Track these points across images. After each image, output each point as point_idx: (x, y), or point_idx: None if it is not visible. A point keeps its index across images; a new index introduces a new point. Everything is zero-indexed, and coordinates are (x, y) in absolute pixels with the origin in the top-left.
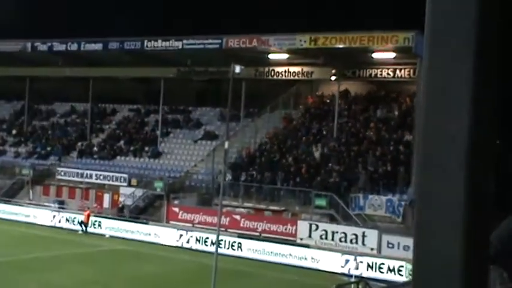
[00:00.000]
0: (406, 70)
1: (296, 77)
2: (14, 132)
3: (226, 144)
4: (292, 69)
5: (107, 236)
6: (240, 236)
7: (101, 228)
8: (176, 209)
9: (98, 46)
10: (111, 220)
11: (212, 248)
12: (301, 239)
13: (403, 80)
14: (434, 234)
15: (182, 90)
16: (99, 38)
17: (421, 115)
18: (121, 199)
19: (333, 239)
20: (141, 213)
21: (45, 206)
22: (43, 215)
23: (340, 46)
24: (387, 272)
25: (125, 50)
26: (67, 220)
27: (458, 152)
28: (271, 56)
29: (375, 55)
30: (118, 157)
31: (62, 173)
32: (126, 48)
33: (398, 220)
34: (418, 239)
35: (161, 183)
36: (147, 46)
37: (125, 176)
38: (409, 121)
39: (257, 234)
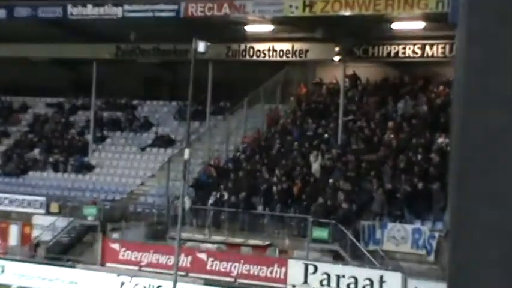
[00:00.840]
0: (440, 47)
1: (284, 58)
2: None
3: (187, 153)
4: (279, 46)
5: (14, 286)
6: (208, 282)
7: (4, 274)
8: (116, 246)
9: (0, 13)
10: (20, 263)
11: None
12: (294, 287)
13: (435, 61)
14: (476, 276)
15: (124, 76)
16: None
17: (457, 109)
18: (35, 233)
19: (338, 286)
20: (65, 252)
21: None
22: None
23: (347, 13)
24: None
25: (40, 19)
26: None
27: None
28: (249, 28)
29: (395, 26)
30: (31, 172)
31: None
32: (41, 16)
33: (429, 259)
34: (453, 284)
35: (94, 210)
36: (71, 14)
37: (41, 199)
38: (443, 118)
39: (231, 279)
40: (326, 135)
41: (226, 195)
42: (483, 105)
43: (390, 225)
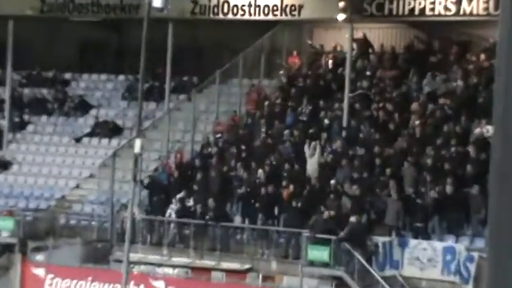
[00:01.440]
0: (482, 1)
1: (271, 17)
2: None
3: (138, 145)
4: (264, 0)
5: None
6: None
7: None
8: (40, 272)
9: None
10: None
11: None
12: None
13: (475, 21)
14: None
15: (52, 41)
16: None
17: (500, 86)
18: None
19: None
20: None
21: None
22: None
23: None
24: None
25: None
26: None
27: None
28: None
29: None
30: None
31: None
32: None
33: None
34: None
35: (10, 222)
36: None
37: None
38: (485, 98)
39: None
40: (327, 121)
41: (191, 203)
42: None
43: (413, 242)
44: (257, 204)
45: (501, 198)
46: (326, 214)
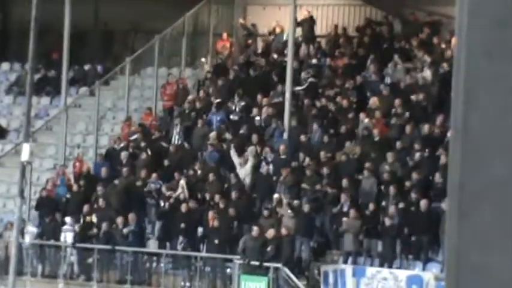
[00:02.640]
0: None
1: None
2: None
3: (27, 151)
4: None
5: None
6: None
7: None
8: None
9: None
10: None
11: None
12: None
13: None
14: None
15: None
16: None
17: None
18: None
19: None
20: None
21: None
22: None
23: None
24: None
25: None
26: None
27: None
28: None
29: None
30: None
31: None
32: None
33: None
34: None
35: None
36: None
37: None
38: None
39: None
40: (262, 121)
41: (95, 222)
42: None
43: (370, 270)
44: (173, 223)
45: (459, 217)
46: (255, 231)
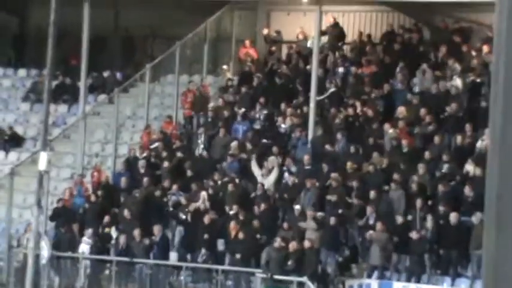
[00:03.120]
0: None
1: None
2: None
3: (45, 160)
4: None
5: None
6: None
7: None
8: None
9: None
10: None
11: None
12: None
13: (475, 2)
14: None
15: None
16: None
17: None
18: None
19: None
20: None
21: None
22: None
23: None
24: None
25: None
26: None
27: None
28: None
29: None
30: None
31: None
32: None
33: None
34: None
35: None
36: None
37: None
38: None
39: None
40: (284, 128)
41: (114, 235)
42: None
43: (397, 285)
44: (198, 237)
45: (498, 229)
46: (277, 243)
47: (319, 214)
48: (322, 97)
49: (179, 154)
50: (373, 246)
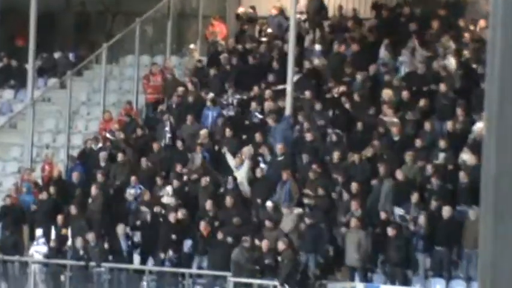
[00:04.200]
0: None
1: None
2: None
3: None
4: None
5: None
6: None
7: None
8: None
9: None
10: None
11: None
12: None
13: None
14: None
15: None
16: None
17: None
18: None
19: None
20: None
21: None
22: None
23: None
24: None
25: None
26: None
27: None
28: None
29: None
30: None
31: None
32: None
33: None
34: None
35: None
36: None
37: None
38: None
39: None
40: (258, 116)
41: (69, 237)
42: None
43: None
44: (161, 237)
45: (495, 217)
46: (246, 242)
47: (297, 210)
48: (281, 87)
49: (140, 144)
50: (349, 245)
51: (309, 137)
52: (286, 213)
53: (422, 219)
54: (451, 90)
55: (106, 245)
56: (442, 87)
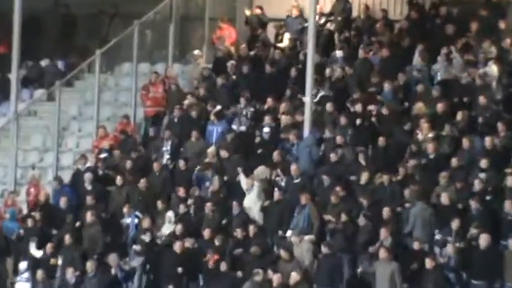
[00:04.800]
0: None
1: None
2: None
3: None
4: None
5: None
6: None
7: None
8: None
9: None
10: None
11: None
12: None
13: None
14: None
15: None
16: None
17: None
18: None
19: None
20: None
21: None
22: None
23: None
24: None
25: None
26: None
27: None
28: None
29: None
30: None
31: None
32: None
33: None
34: None
35: None
36: None
37: None
38: None
39: None
40: (265, 131)
41: (59, 265)
42: None
43: None
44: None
45: None
46: (259, 276)
47: (308, 237)
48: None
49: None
50: (378, 279)
51: (333, 157)
52: (296, 242)
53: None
54: (491, 101)
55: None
56: (482, 99)
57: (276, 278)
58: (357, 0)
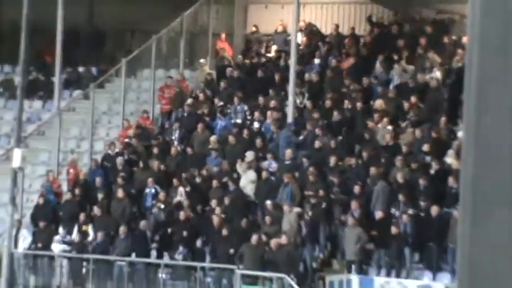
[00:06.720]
0: None
1: None
2: None
3: (18, 157)
4: None
5: None
6: None
7: None
8: None
9: None
10: None
11: None
12: None
13: None
14: None
15: None
16: None
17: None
18: None
19: None
20: None
21: None
22: None
23: None
24: None
25: None
26: None
27: None
28: None
29: None
30: None
31: None
32: None
33: None
34: None
35: None
36: None
37: None
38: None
39: None
40: (257, 125)
41: (91, 233)
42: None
43: (378, 280)
44: (175, 236)
45: (471, 223)
46: (254, 240)
47: (297, 209)
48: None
49: (156, 150)
50: (347, 241)
51: (317, 144)
52: (286, 212)
53: (409, 217)
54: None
55: (126, 240)
56: (429, 97)
57: (273, 242)
58: (330, 19)
